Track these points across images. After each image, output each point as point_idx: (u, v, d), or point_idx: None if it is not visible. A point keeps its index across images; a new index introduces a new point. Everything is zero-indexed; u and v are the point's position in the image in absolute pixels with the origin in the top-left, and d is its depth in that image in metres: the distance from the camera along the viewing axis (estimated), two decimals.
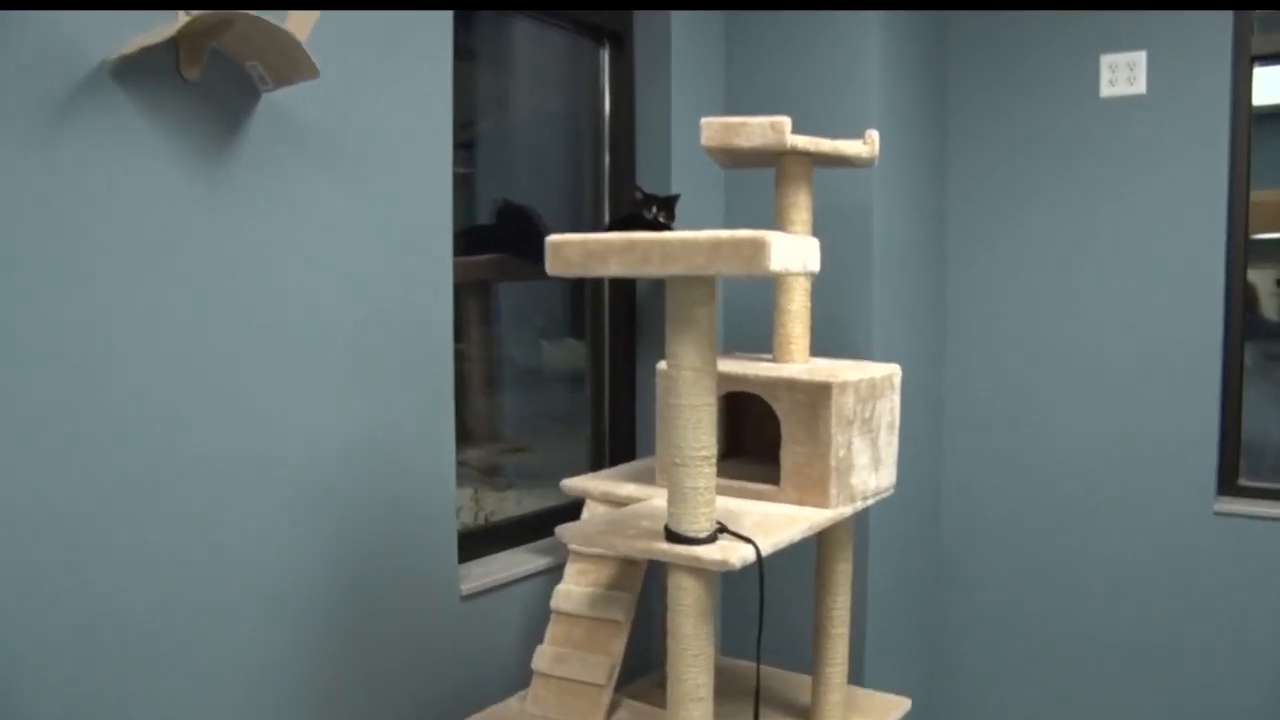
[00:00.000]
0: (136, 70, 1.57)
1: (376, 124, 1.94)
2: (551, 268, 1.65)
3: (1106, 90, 2.88)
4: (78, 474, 1.54)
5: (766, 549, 1.74)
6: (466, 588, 2.16)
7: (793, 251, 1.59)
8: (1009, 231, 3.05)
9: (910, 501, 2.94)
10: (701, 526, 1.71)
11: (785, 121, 2.04)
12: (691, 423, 1.68)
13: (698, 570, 1.70)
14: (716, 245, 1.52)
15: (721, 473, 2.12)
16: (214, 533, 1.74)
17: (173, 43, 1.58)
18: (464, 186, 3.48)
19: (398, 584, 2.03)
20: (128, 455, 1.61)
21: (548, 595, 2.18)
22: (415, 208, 2.03)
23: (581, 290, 2.85)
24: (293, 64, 1.68)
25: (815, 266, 1.73)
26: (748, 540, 1.73)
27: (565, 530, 1.86)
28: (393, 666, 2.03)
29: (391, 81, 1.96)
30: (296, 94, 1.78)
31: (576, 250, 1.62)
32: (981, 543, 3.17)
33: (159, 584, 1.66)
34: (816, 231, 2.66)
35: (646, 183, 2.73)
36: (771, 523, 1.88)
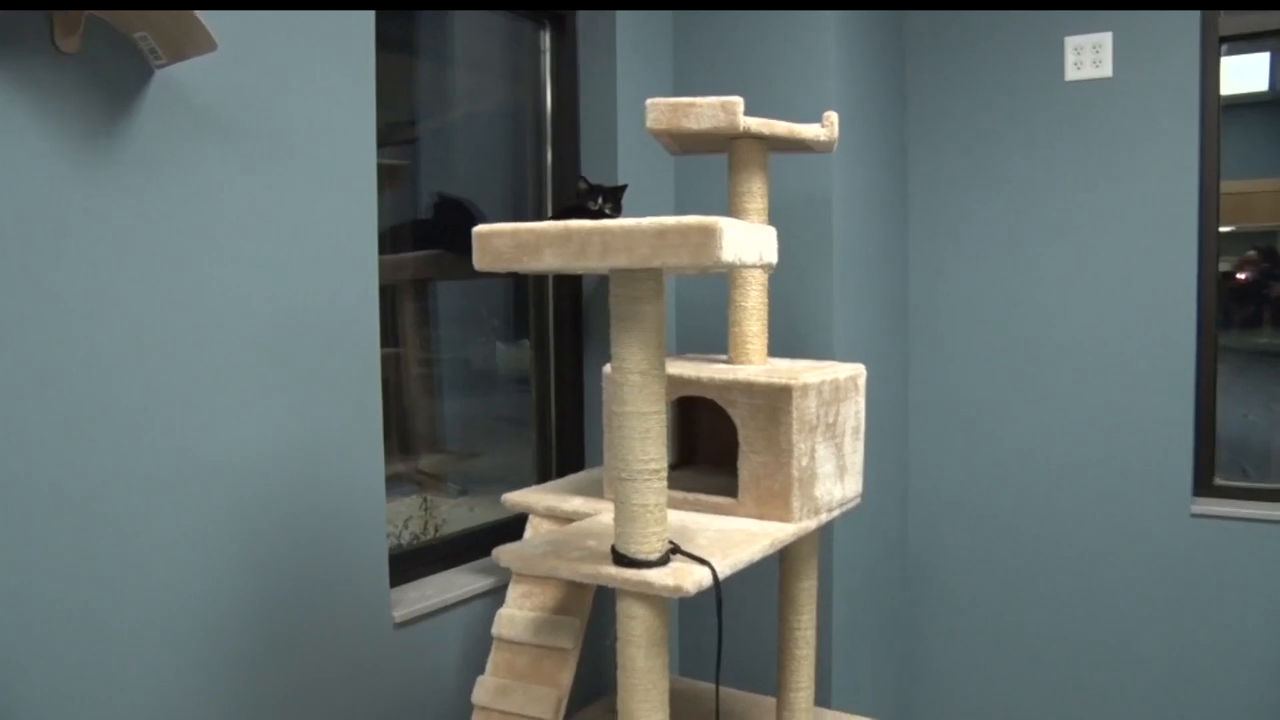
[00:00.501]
0: (4, 45, 1.37)
1: (291, 108, 1.75)
2: (479, 261, 1.47)
3: (1072, 73, 2.75)
4: None
5: (724, 571, 1.57)
6: (400, 614, 1.98)
7: (747, 240, 1.43)
8: (973, 221, 2.92)
9: (876, 509, 2.79)
10: (652, 547, 1.54)
11: (737, 102, 1.88)
12: (639, 432, 1.52)
13: (649, 596, 1.53)
14: (662, 233, 1.35)
15: (674, 484, 1.96)
16: (106, 553, 1.54)
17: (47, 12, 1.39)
18: (397, 179, 3.29)
19: (322, 611, 1.84)
20: (11, 474, 1.41)
21: (490, 620, 2.00)
22: (336, 199, 1.84)
23: (525, 287, 2.67)
24: (187, 35, 1.49)
25: (773, 258, 1.58)
26: (703, 562, 1.56)
27: (503, 552, 1.68)
28: (317, 703, 1.84)
29: (308, 63, 1.78)
30: (198, 72, 1.60)
31: (506, 241, 1.45)
32: (951, 551, 3.02)
33: (51, 608, 1.47)
34: (773, 222, 2.51)
35: (592, 173, 2.56)
36: (729, 540, 1.72)
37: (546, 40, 2.57)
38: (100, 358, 1.52)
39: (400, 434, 3.94)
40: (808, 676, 2.10)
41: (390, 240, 2.48)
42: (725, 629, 2.76)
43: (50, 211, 1.45)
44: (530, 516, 2.09)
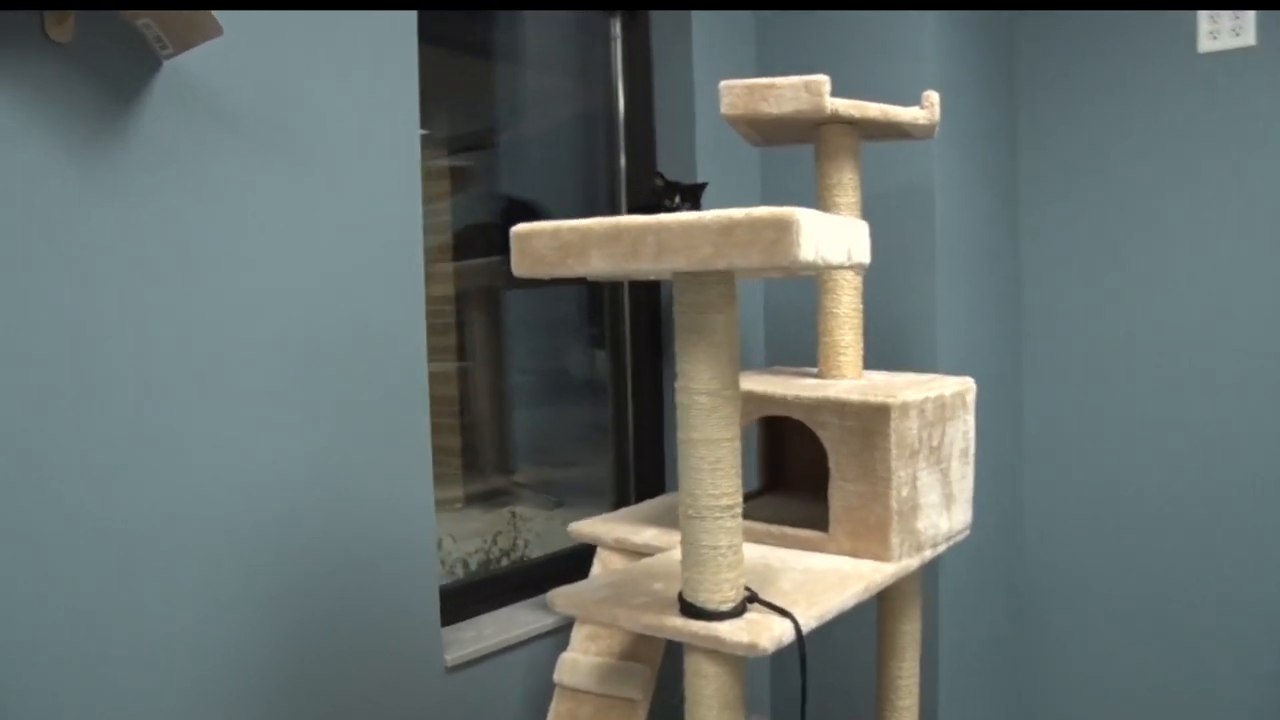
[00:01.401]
0: None
1: (323, 103, 1.59)
2: (519, 267, 1.28)
3: (1207, 44, 2.44)
4: None
5: (809, 624, 1.35)
6: (452, 656, 1.79)
7: (832, 236, 1.20)
8: (1094, 216, 2.60)
9: (984, 543, 2.51)
10: (724, 596, 1.33)
11: (823, 81, 1.65)
12: (709, 463, 1.30)
13: (720, 653, 1.31)
14: (729, 228, 1.14)
15: (758, 513, 1.76)
16: (121, 585, 1.39)
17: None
18: (465, 181, 3.13)
19: (365, 653, 1.67)
20: (11, 503, 1.27)
21: (554, 662, 1.81)
22: (376, 202, 1.67)
23: (601, 292, 2.48)
24: (189, 22, 1.33)
25: (864, 257, 1.34)
26: (784, 613, 1.34)
27: (558, 597, 1.48)
28: None
29: (341, 54, 1.61)
30: (215, 64, 1.45)
31: (547, 243, 1.25)
32: (1070, 590, 2.69)
33: (67, 643, 1.33)
34: (869, 219, 2.27)
35: (669, 169, 2.36)
36: (818, 583, 1.49)
37: (617, 28, 2.37)
38: (111, 373, 1.37)
39: (495, 445, 3.81)
40: None
41: (461, 246, 2.34)
42: (818, 673, 2.53)
43: (52, 216, 1.31)
44: (598, 549, 1.89)
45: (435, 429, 4.59)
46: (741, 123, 1.78)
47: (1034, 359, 2.69)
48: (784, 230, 1.11)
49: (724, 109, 1.72)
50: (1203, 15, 2.45)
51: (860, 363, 1.84)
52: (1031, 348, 2.70)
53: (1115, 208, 2.57)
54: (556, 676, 1.77)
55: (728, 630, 1.29)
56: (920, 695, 1.88)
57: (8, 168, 1.26)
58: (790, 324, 2.45)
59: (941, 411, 1.69)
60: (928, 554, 1.68)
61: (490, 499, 3.83)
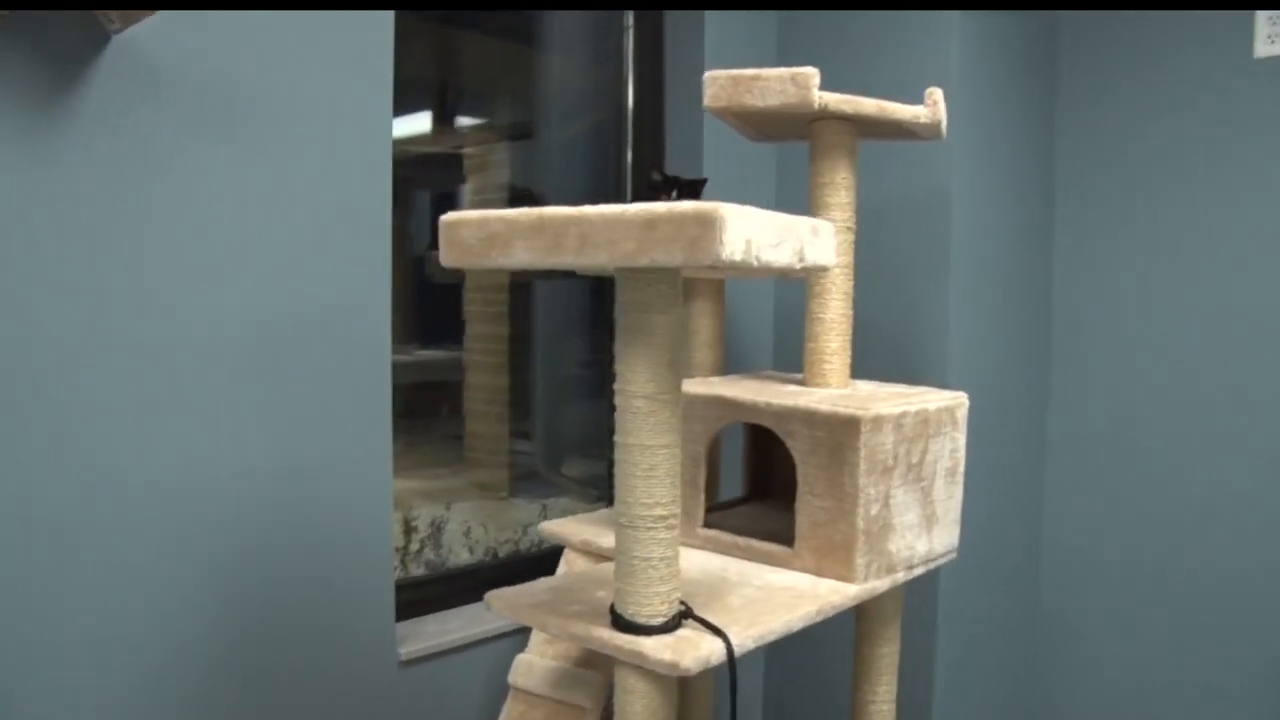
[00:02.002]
0: None
1: (290, 83, 1.56)
2: (446, 256, 1.23)
3: (1264, 48, 2.28)
4: None
5: (743, 645, 1.27)
6: (406, 651, 1.76)
7: (769, 234, 1.12)
8: (1136, 227, 2.44)
9: (999, 567, 2.40)
10: (655, 610, 1.26)
11: (810, 74, 1.57)
12: (643, 470, 1.24)
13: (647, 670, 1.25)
14: (650, 223, 1.07)
15: (730, 523, 1.69)
16: (66, 582, 1.37)
17: None
18: (453, 168, 3.10)
19: (317, 645, 1.64)
20: None
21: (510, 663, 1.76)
22: (342, 186, 1.63)
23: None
24: None
25: (823, 259, 1.26)
26: (717, 631, 1.26)
27: (494, 598, 1.43)
28: None
29: (311, 32, 1.58)
30: (167, 40, 1.42)
31: (474, 232, 1.19)
32: (1096, 617, 2.53)
33: (23, 649, 1.32)
34: (879, 224, 2.18)
35: (679, 166, 2.29)
36: (768, 601, 1.41)
37: (630, 18, 2.31)
38: (54, 361, 1.35)
39: (544, 437, 3.79)
40: None
41: None
42: (799, 685, 2.44)
43: None
44: (565, 550, 1.83)
45: (483, 417, 4.57)
46: (728, 115, 1.70)
47: (1062, 378, 2.55)
48: (707, 226, 1.04)
49: (707, 100, 1.65)
50: (1261, 16, 2.30)
51: (846, 371, 1.75)
52: (1060, 366, 2.56)
53: (1159, 221, 2.42)
54: (511, 678, 1.72)
55: (652, 646, 1.23)
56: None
57: None
58: (801, 330, 2.36)
59: (924, 427, 1.60)
60: (900, 576, 1.59)
61: (535, 491, 3.80)
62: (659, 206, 1.06)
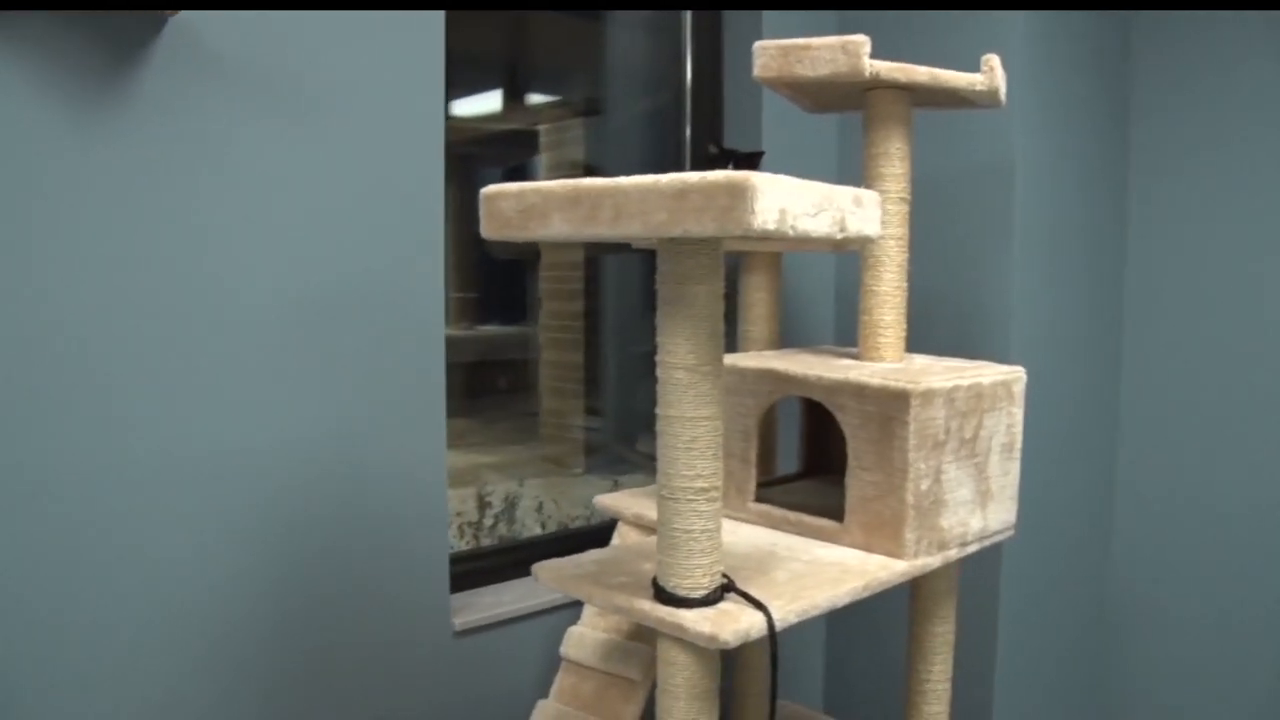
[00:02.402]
0: None
1: (341, 63, 1.58)
2: (486, 229, 1.24)
3: None
4: None
5: (784, 619, 1.26)
6: (461, 621, 1.78)
7: (806, 204, 1.11)
8: (1216, 201, 2.32)
9: (1065, 549, 2.34)
10: (696, 583, 1.26)
11: (861, 42, 1.54)
12: (684, 442, 1.24)
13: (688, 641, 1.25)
14: (682, 193, 1.07)
15: (784, 498, 1.68)
16: (125, 554, 1.43)
17: None
18: (525, 146, 3.12)
19: (375, 617, 1.68)
20: (18, 463, 1.32)
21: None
22: (395, 162, 1.66)
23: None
24: None
25: (868, 229, 1.24)
26: (758, 605, 1.26)
27: (541, 569, 1.44)
28: (366, 712, 1.68)
29: (362, 14, 1.59)
30: (222, 21, 1.45)
31: (512, 204, 1.20)
32: (1165, 608, 2.45)
33: (80, 616, 1.38)
34: (940, 195, 2.14)
35: (738, 140, 2.27)
36: (815, 576, 1.40)
37: None
38: (118, 335, 1.40)
39: (618, 414, 3.81)
40: None
41: None
42: (860, 662, 2.41)
43: (55, 172, 1.34)
44: (619, 523, 1.84)
45: (558, 394, 4.60)
46: (780, 85, 1.68)
47: (1135, 355, 2.46)
48: (738, 196, 1.03)
49: (757, 71, 1.63)
50: None
51: (901, 344, 1.72)
52: (1133, 342, 2.47)
53: (1240, 192, 2.29)
54: (563, 649, 1.74)
55: (692, 619, 1.23)
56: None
57: (10, 125, 1.29)
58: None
59: (978, 401, 1.57)
60: (953, 553, 1.57)
61: (611, 468, 3.82)
62: (691, 176, 1.06)
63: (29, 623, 1.36)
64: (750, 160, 2.04)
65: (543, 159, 4.04)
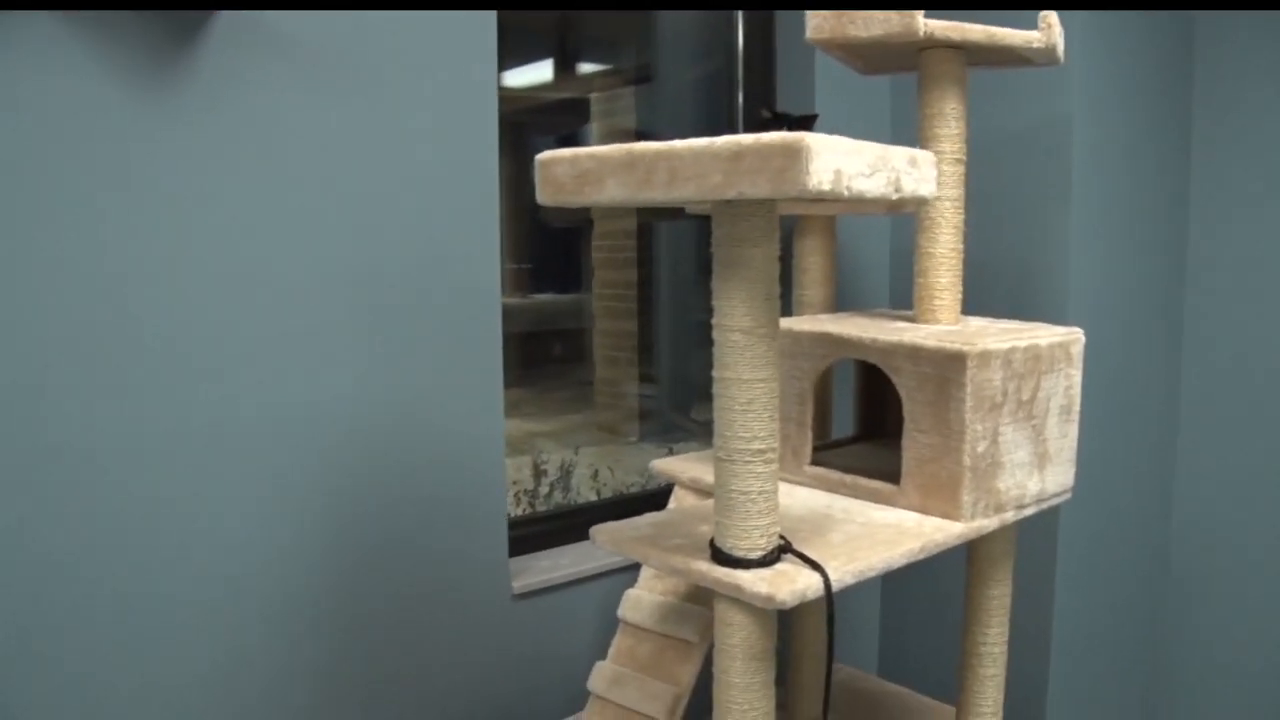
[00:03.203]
0: None
1: (396, 37, 1.60)
2: (542, 195, 1.25)
3: None
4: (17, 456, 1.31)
5: (841, 580, 1.27)
6: (520, 584, 1.82)
7: (860, 163, 1.11)
8: None
9: (1124, 515, 2.32)
10: (753, 544, 1.27)
11: None
12: (740, 404, 1.25)
13: (745, 602, 1.26)
14: (737, 155, 1.07)
15: (840, 461, 1.68)
16: (199, 519, 1.48)
17: None
18: (576, 114, 3.11)
19: (435, 580, 1.72)
20: (83, 427, 1.36)
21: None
22: (451, 133, 1.68)
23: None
24: None
25: (924, 189, 1.24)
26: (815, 566, 1.27)
27: (598, 532, 1.46)
28: (426, 674, 1.73)
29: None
30: None
31: (567, 170, 1.21)
32: (1226, 578, 2.41)
33: (146, 581, 1.43)
34: (996, 154, 2.11)
35: (791, 104, 2.26)
36: (870, 538, 1.41)
37: None
38: (185, 305, 1.44)
39: (672, 382, 3.82)
40: (994, 700, 1.75)
41: None
42: (916, 625, 2.42)
43: (117, 146, 1.37)
44: (675, 487, 1.86)
45: (612, 362, 4.61)
46: (833, 48, 1.67)
47: (1198, 319, 2.42)
48: (792, 157, 1.03)
49: (810, 33, 1.62)
50: None
51: (957, 307, 1.71)
52: (1195, 304, 2.42)
53: None
54: (620, 612, 1.76)
55: (749, 580, 1.24)
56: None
57: (73, 101, 1.33)
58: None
59: (1035, 363, 1.56)
60: (1009, 515, 1.56)
61: (665, 435, 3.85)
62: (746, 138, 1.06)
63: (92, 592, 1.41)
64: (803, 123, 2.02)
65: (594, 127, 4.05)
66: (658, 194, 1.13)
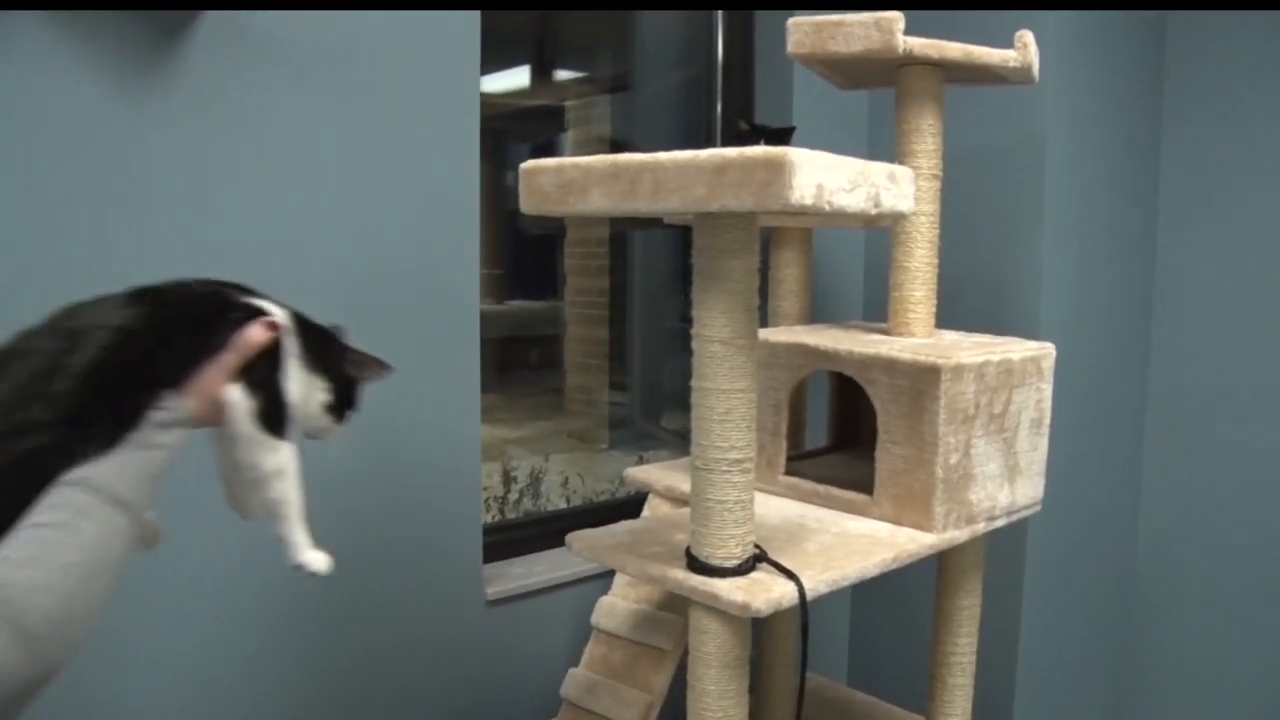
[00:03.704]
0: None
1: (379, 43, 1.60)
2: (526, 204, 1.26)
3: None
4: None
5: (816, 589, 1.29)
6: (493, 591, 1.82)
7: (842, 179, 1.12)
8: (1256, 176, 2.29)
9: (1091, 526, 2.35)
10: (729, 552, 1.29)
11: (894, 18, 1.55)
12: (718, 414, 1.26)
13: (720, 611, 1.27)
14: (721, 168, 1.08)
15: (814, 471, 1.70)
16: (182, 519, 1.46)
17: None
18: (552, 122, 3.11)
19: (409, 585, 1.72)
20: None
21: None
22: (431, 140, 1.68)
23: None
24: None
25: (901, 205, 1.25)
26: (790, 575, 1.28)
27: (575, 539, 1.47)
28: (400, 679, 1.72)
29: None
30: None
31: (551, 179, 1.22)
32: (1194, 582, 2.45)
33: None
34: (971, 170, 2.14)
35: (769, 117, 2.27)
36: (845, 548, 1.43)
37: None
38: None
39: (642, 390, 3.82)
40: (963, 709, 1.77)
41: None
42: (885, 634, 2.44)
43: (102, 147, 1.36)
44: (650, 495, 1.87)
45: (583, 369, 4.59)
46: (814, 62, 1.69)
47: (1165, 335, 2.45)
48: (776, 171, 1.05)
49: (791, 47, 1.64)
50: None
51: (931, 320, 1.73)
52: (1162, 319, 2.46)
53: (1273, 174, 2.27)
54: (594, 619, 1.77)
55: (725, 588, 1.25)
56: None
57: (60, 102, 1.32)
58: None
59: (1007, 377, 1.58)
60: (980, 527, 1.59)
61: (636, 443, 3.86)
62: (730, 151, 1.07)
63: None
64: (781, 136, 2.04)
65: (570, 135, 4.06)
66: (642, 205, 1.14)
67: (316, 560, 1.01)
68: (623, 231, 3.60)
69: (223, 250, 1.48)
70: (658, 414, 3.67)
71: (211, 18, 1.42)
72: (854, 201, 1.15)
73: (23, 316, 1.30)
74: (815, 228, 2.01)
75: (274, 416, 0.94)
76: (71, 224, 1.35)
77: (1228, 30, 2.29)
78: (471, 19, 1.70)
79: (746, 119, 2.09)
